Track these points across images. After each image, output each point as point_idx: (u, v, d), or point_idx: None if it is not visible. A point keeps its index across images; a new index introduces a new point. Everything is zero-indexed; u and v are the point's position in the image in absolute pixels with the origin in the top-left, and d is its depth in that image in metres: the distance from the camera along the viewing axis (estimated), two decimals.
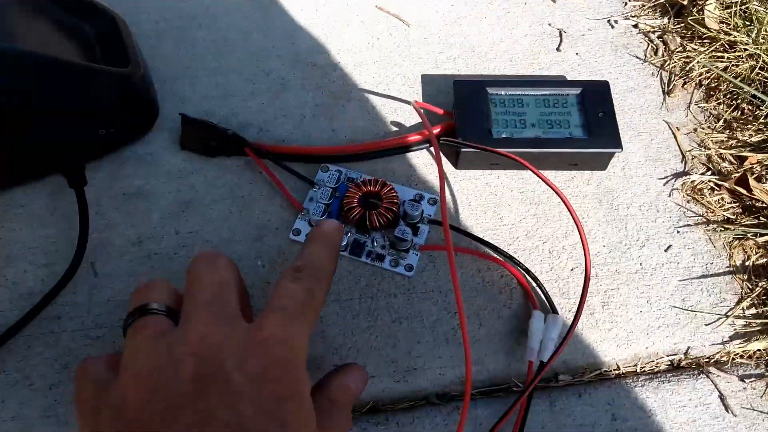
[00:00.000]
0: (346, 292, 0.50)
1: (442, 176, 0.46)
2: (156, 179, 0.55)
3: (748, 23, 0.62)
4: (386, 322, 0.49)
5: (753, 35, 0.61)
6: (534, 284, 0.50)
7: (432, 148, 0.56)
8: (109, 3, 0.59)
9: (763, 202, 0.53)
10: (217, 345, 0.32)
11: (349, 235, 0.52)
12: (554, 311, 0.49)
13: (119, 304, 0.49)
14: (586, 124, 0.54)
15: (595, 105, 0.55)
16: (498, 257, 0.51)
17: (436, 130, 0.55)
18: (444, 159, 0.56)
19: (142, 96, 0.54)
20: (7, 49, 0.45)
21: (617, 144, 0.53)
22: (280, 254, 0.51)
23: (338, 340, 0.48)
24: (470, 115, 0.55)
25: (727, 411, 0.47)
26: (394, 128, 0.58)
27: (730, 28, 0.62)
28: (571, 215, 0.48)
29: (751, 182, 0.54)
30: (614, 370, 0.49)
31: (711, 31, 0.62)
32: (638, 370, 0.49)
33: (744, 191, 0.54)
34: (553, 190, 0.49)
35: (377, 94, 0.60)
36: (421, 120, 0.56)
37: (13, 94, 0.46)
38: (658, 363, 0.49)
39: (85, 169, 0.53)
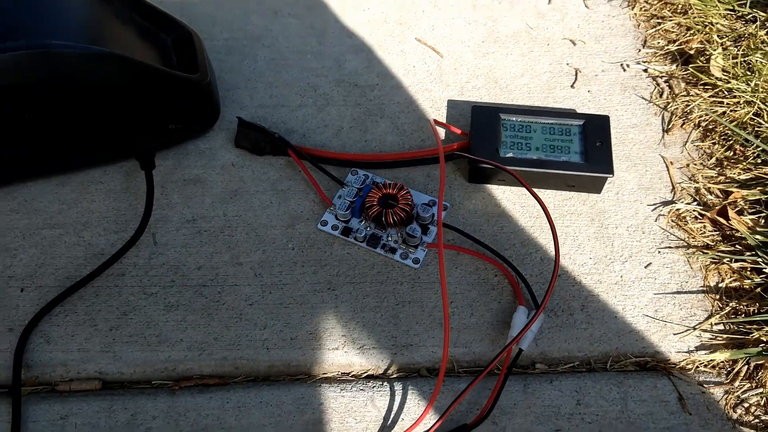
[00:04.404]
0: (359, 276, 0.59)
1: (443, 181, 0.55)
2: (212, 170, 0.65)
3: (748, 73, 0.68)
4: (391, 304, 0.57)
5: (752, 84, 0.67)
6: (523, 284, 0.58)
7: (447, 161, 0.65)
8: (188, 18, 0.70)
9: (739, 232, 0.60)
10: None
11: (368, 229, 0.60)
12: (537, 308, 0.56)
13: (172, 268, 0.59)
14: (584, 151, 0.62)
15: (594, 135, 0.63)
16: (494, 259, 0.59)
17: (452, 147, 0.64)
18: (458, 173, 0.64)
19: (207, 100, 0.65)
20: (102, 52, 0.56)
21: (609, 170, 0.61)
22: (307, 240, 0.60)
23: (348, 314, 0.57)
24: (483, 136, 0.63)
25: (684, 410, 0.53)
26: (419, 143, 0.67)
27: (730, 77, 0.68)
28: (550, 225, 0.56)
29: (731, 213, 0.60)
30: (585, 364, 0.55)
31: (713, 79, 0.68)
32: (608, 367, 0.55)
33: (724, 221, 0.60)
34: (539, 203, 0.56)
35: (407, 113, 0.69)
36: (441, 137, 0.64)
37: (104, 90, 0.57)
38: (625, 363, 0.56)
39: (156, 156, 0.64)
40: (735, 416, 0.53)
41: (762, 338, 0.54)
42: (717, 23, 0.73)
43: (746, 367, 0.55)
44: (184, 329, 0.56)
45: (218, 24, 0.76)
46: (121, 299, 0.57)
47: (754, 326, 0.55)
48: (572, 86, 0.71)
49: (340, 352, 0.55)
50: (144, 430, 0.52)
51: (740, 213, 0.61)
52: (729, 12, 0.75)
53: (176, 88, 0.61)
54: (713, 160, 0.65)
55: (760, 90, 0.67)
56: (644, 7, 0.77)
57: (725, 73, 0.69)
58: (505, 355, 0.54)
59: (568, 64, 0.73)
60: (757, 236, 0.59)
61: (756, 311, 0.56)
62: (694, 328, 0.56)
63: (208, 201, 0.63)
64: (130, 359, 0.55)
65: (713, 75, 0.68)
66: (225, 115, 0.69)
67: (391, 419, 0.52)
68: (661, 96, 0.70)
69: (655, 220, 0.62)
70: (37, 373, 0.54)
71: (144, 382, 0.54)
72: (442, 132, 0.67)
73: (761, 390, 0.53)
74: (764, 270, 0.57)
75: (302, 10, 0.78)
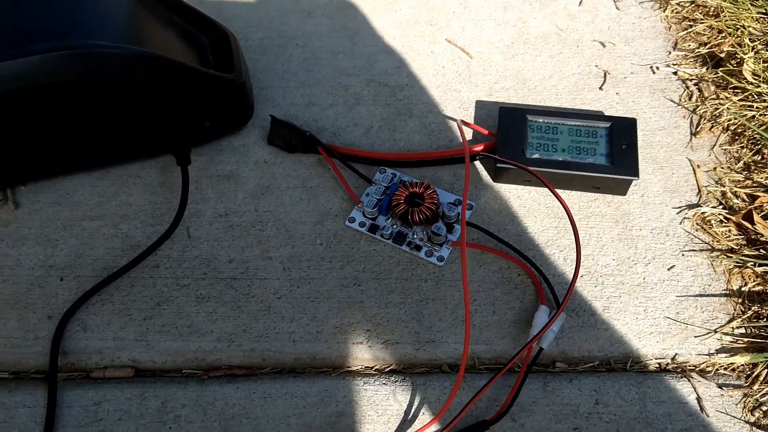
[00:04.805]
0: (385, 272, 0.60)
1: (468, 181, 0.56)
2: (245, 166, 0.67)
3: None
4: (415, 301, 0.59)
5: None
6: (545, 284, 0.59)
7: (473, 161, 0.66)
8: (225, 19, 0.72)
9: (764, 236, 0.60)
10: None
11: (394, 226, 0.62)
12: (558, 307, 0.57)
13: (204, 261, 0.61)
14: (610, 154, 0.62)
15: (621, 138, 0.63)
16: (518, 258, 0.60)
17: (478, 148, 0.65)
18: (485, 172, 0.65)
19: (242, 98, 0.67)
20: (140, 52, 0.58)
21: (635, 172, 0.61)
22: (335, 236, 0.62)
23: (373, 310, 0.58)
24: (510, 137, 0.64)
25: (702, 411, 0.54)
26: (446, 143, 0.68)
27: (761, 81, 0.68)
28: (572, 226, 0.57)
29: (756, 218, 0.60)
30: (605, 364, 0.56)
31: (744, 82, 0.68)
32: (627, 368, 0.56)
33: (749, 225, 0.60)
34: (562, 205, 0.57)
35: (435, 113, 0.70)
36: (469, 137, 0.65)
37: (141, 88, 0.60)
38: (646, 363, 0.56)
39: (191, 152, 0.66)
40: (753, 419, 0.53)
41: None
42: (749, 26, 0.73)
43: (766, 370, 0.55)
44: (214, 320, 0.58)
45: (253, 24, 0.78)
46: (155, 290, 0.60)
47: None
48: (600, 88, 0.71)
49: (364, 347, 0.57)
50: (173, 418, 0.54)
51: (766, 218, 0.61)
52: (762, 15, 0.75)
53: (212, 87, 0.63)
54: (741, 163, 0.65)
55: None
56: (676, 9, 0.77)
57: (756, 77, 0.69)
58: (525, 353, 0.55)
59: (597, 66, 0.73)
60: None
61: None
62: (716, 331, 0.57)
63: (241, 196, 0.65)
64: (162, 348, 0.57)
65: (745, 78, 0.68)
66: (259, 113, 0.71)
67: (412, 413, 0.54)
68: (690, 99, 0.70)
69: (680, 223, 0.62)
70: (73, 360, 0.57)
71: (175, 371, 0.57)
72: (469, 132, 0.69)
73: None
74: None
75: (335, 11, 0.79)
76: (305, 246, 0.62)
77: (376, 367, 0.57)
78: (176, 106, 0.62)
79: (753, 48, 0.71)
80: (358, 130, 0.69)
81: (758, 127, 0.66)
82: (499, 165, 0.63)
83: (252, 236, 0.63)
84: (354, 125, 0.70)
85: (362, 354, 0.57)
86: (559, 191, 0.64)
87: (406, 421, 0.53)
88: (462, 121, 0.67)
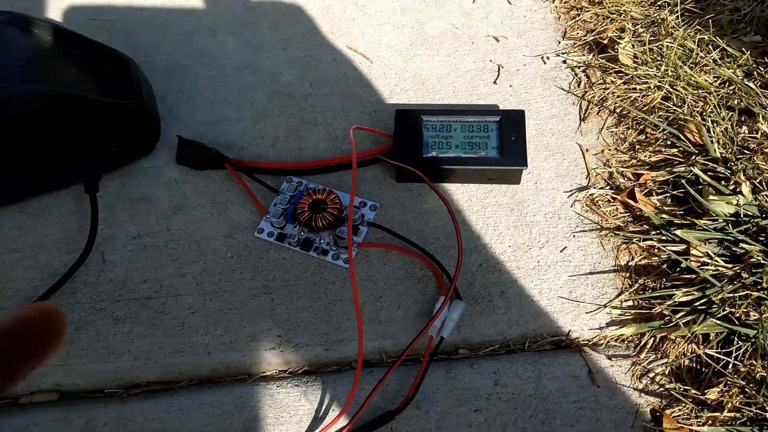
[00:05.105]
0: (294, 279, 0.63)
1: (354, 189, 0.59)
2: (156, 187, 0.69)
3: (659, 59, 0.72)
4: (324, 303, 0.62)
5: (662, 69, 0.71)
6: (446, 277, 0.62)
7: (376, 164, 0.69)
8: (131, 44, 0.74)
9: (645, 213, 0.63)
10: None
11: (301, 234, 0.65)
12: (458, 297, 0.61)
13: (119, 284, 0.63)
14: (500, 146, 0.66)
15: (510, 130, 0.66)
16: (420, 254, 0.63)
17: (376, 151, 0.68)
18: (388, 173, 0.68)
19: (146, 122, 0.69)
20: (37, 90, 0.60)
21: (523, 162, 0.64)
22: (245, 248, 0.65)
23: (284, 315, 0.61)
24: (406, 138, 0.67)
25: (593, 383, 0.57)
26: (350, 148, 0.71)
27: (639, 63, 0.72)
28: (452, 219, 0.60)
29: (638, 195, 0.64)
30: (505, 346, 0.60)
31: (623, 66, 0.72)
32: (525, 348, 0.59)
33: (633, 203, 0.64)
34: (441, 199, 0.61)
35: (339, 119, 0.73)
36: (371, 141, 0.68)
37: (45, 123, 0.62)
38: (542, 343, 0.60)
39: (102, 179, 0.68)
40: (641, 386, 0.57)
41: (664, 312, 0.58)
42: (631, 11, 0.76)
43: (652, 339, 0.59)
44: (131, 340, 0.60)
45: (160, 47, 0.80)
46: (74, 316, 0.62)
47: (658, 301, 0.59)
48: (495, 82, 0.74)
49: (276, 352, 0.60)
50: None
51: (649, 194, 0.65)
52: None
53: (113, 114, 0.65)
54: (626, 144, 0.69)
55: (669, 74, 0.70)
56: None
57: (635, 60, 0.72)
58: (426, 343, 0.58)
59: (491, 60, 0.76)
60: (663, 216, 0.62)
61: (661, 286, 0.60)
62: (605, 306, 0.60)
63: (153, 217, 0.67)
64: (83, 371, 0.59)
65: (623, 62, 0.72)
66: (168, 134, 0.73)
67: (323, 411, 0.57)
68: (579, 86, 0.73)
69: (571, 206, 0.66)
70: None
71: (97, 392, 0.59)
72: (370, 136, 0.71)
73: (665, 360, 0.57)
74: (668, 247, 0.61)
75: (238, 28, 0.82)
76: (217, 260, 0.65)
77: (290, 370, 0.60)
78: (79, 136, 0.64)
79: (634, 32, 0.75)
80: (265, 142, 0.72)
81: (641, 108, 0.69)
82: (398, 166, 0.66)
83: (165, 255, 0.65)
84: (261, 138, 0.72)
85: (275, 359, 0.59)
86: (458, 185, 0.67)
87: (317, 419, 0.56)
88: (356, 127, 0.70)
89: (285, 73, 0.77)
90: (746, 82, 0.70)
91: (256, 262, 0.64)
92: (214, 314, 0.61)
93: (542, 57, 0.76)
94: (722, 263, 0.59)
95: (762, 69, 0.71)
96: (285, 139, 0.72)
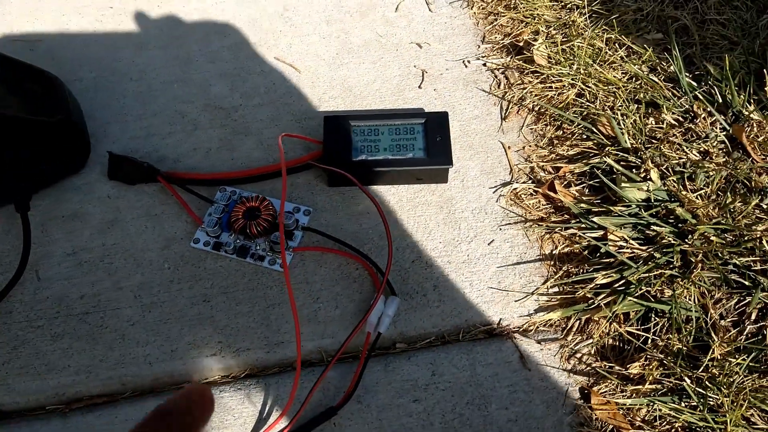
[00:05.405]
0: (232, 285, 0.64)
1: (284, 195, 0.62)
2: (89, 204, 0.69)
3: (570, 58, 0.76)
4: (262, 308, 0.63)
5: (574, 68, 0.75)
6: (380, 275, 0.64)
7: (302, 171, 0.71)
8: (57, 61, 0.74)
9: (565, 203, 0.67)
10: None
11: (237, 241, 0.66)
12: (393, 293, 0.63)
13: (56, 300, 0.63)
14: (426, 147, 0.68)
15: (435, 131, 0.69)
16: (354, 254, 0.65)
17: (306, 157, 0.70)
18: (320, 179, 0.70)
19: (75, 138, 0.69)
20: None
21: (449, 161, 0.67)
22: (182, 258, 0.66)
23: (223, 321, 0.62)
24: (335, 144, 0.69)
25: (524, 367, 0.60)
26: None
27: (553, 63, 0.76)
28: (382, 218, 0.63)
29: (558, 187, 0.67)
30: (440, 338, 0.62)
31: (538, 66, 0.76)
32: (460, 338, 0.62)
33: (553, 195, 0.68)
34: (371, 199, 0.64)
35: (270, 128, 0.74)
36: (301, 148, 0.70)
37: None
38: (475, 332, 0.62)
39: (33, 198, 0.68)
40: (569, 367, 0.60)
41: (587, 295, 0.62)
42: (543, 14, 0.81)
43: (578, 322, 0.62)
44: (70, 355, 0.60)
45: (86, 64, 0.80)
46: (11, 335, 0.62)
47: (580, 285, 0.63)
48: (419, 87, 0.77)
49: (217, 358, 0.61)
50: None
51: (568, 186, 0.69)
52: (553, 2, 0.83)
53: (40, 131, 0.65)
54: (545, 140, 0.73)
55: (581, 72, 0.75)
56: (481, 5, 0.84)
57: (549, 60, 0.76)
58: (364, 339, 0.60)
59: (415, 66, 0.79)
60: (581, 205, 0.66)
61: (583, 272, 0.64)
62: (533, 293, 0.64)
63: (87, 233, 0.67)
64: (23, 389, 0.59)
65: (538, 63, 0.76)
66: (99, 150, 0.73)
67: (266, 412, 0.58)
68: (499, 87, 0.77)
69: (496, 201, 0.69)
70: None
71: (39, 409, 0.59)
72: (300, 143, 0.73)
73: (590, 341, 0.61)
74: (588, 234, 0.65)
75: (167, 41, 0.83)
76: (154, 272, 0.65)
77: (232, 375, 0.61)
78: (7, 155, 0.64)
79: (547, 34, 0.79)
80: (198, 154, 0.73)
81: (557, 105, 0.73)
82: (329, 171, 0.68)
83: (101, 270, 0.65)
84: (193, 150, 0.73)
85: (216, 365, 0.60)
86: (388, 187, 0.70)
87: (261, 419, 0.58)
88: (285, 134, 0.72)
89: (215, 86, 0.78)
90: (651, 77, 0.75)
91: (194, 272, 0.65)
92: (154, 325, 0.62)
93: (463, 61, 0.79)
94: (637, 246, 0.63)
95: (664, 64, 0.76)
96: (218, 150, 0.73)
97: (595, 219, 0.64)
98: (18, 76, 0.69)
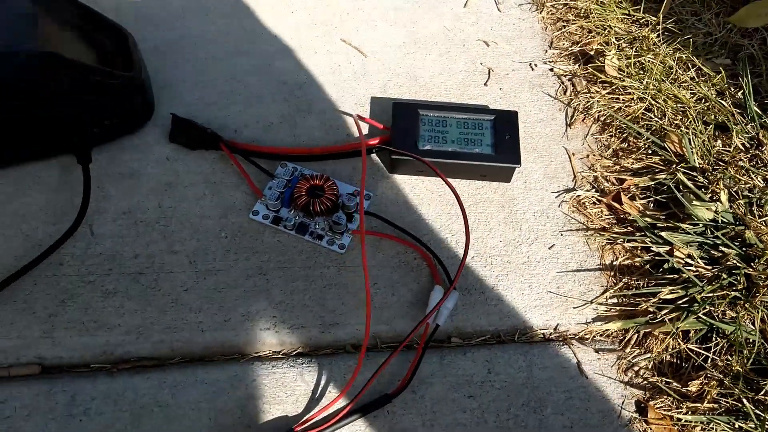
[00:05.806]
0: (289, 261, 0.63)
1: (365, 172, 0.60)
2: (147, 164, 0.68)
3: (641, 72, 0.76)
4: (319, 287, 0.62)
5: (644, 82, 0.75)
6: (439, 266, 0.63)
7: (370, 154, 0.70)
8: (126, 20, 0.72)
9: (631, 215, 0.66)
10: None
11: (297, 217, 0.65)
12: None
13: (108, 257, 0.62)
14: (494, 144, 0.68)
15: (504, 129, 0.68)
16: (414, 243, 0.64)
17: (374, 141, 0.69)
18: (381, 165, 0.69)
19: (141, 97, 0.68)
20: (38, 52, 0.58)
21: (517, 160, 0.67)
22: (240, 229, 0.64)
23: (279, 297, 0.61)
24: (403, 131, 0.68)
25: (582, 374, 0.59)
26: (344, 138, 0.71)
27: (624, 75, 0.75)
28: (462, 211, 0.62)
29: (624, 199, 0.67)
30: (496, 336, 0.61)
31: (609, 77, 0.75)
32: (516, 339, 0.61)
33: (618, 206, 0.67)
34: (452, 191, 0.62)
35: (333, 110, 0.73)
36: (365, 131, 0.69)
37: (39, 87, 0.60)
38: (532, 334, 0.62)
39: (92, 151, 0.66)
40: (626, 379, 0.60)
41: (649, 309, 0.61)
42: (615, 26, 0.80)
43: (636, 335, 0.61)
44: (121, 314, 0.59)
45: (154, 24, 0.79)
46: (60, 288, 0.60)
47: (643, 299, 0.62)
48: (485, 84, 0.77)
49: (271, 332, 0.59)
50: (83, 410, 0.55)
51: (632, 198, 0.68)
52: (625, 16, 0.83)
53: (110, 85, 0.64)
54: (610, 151, 0.72)
55: (651, 87, 0.74)
56: (551, 11, 0.84)
57: (620, 72, 0.76)
58: (422, 330, 0.59)
59: (481, 63, 0.78)
60: (646, 219, 0.66)
61: (644, 285, 0.63)
62: (591, 302, 0.63)
63: (144, 193, 0.66)
64: (69, 344, 0.57)
65: (609, 74, 0.75)
66: (160, 112, 0.71)
67: (319, 392, 0.57)
68: (565, 93, 0.76)
69: (558, 206, 0.68)
70: None
71: (83, 366, 0.57)
72: (365, 127, 0.72)
73: (649, 355, 0.60)
74: (652, 249, 0.64)
75: (233, 12, 0.81)
76: (210, 239, 0.64)
77: (284, 351, 0.60)
78: (75, 104, 0.63)
79: (617, 46, 0.78)
80: (258, 126, 0.72)
81: (624, 118, 0.73)
82: (393, 157, 0.67)
83: (156, 232, 0.64)
84: (254, 122, 0.72)
85: (270, 339, 0.59)
86: (449, 180, 0.69)
87: (314, 399, 0.56)
88: (358, 116, 0.71)
89: (279, 61, 0.77)
90: (719, 100, 0.74)
91: (251, 244, 0.64)
92: (208, 293, 0.61)
93: (530, 64, 0.79)
94: (702, 264, 0.62)
95: (733, 89, 0.76)
96: (279, 125, 0.72)
97: (662, 234, 0.63)
98: (95, 28, 0.67)
